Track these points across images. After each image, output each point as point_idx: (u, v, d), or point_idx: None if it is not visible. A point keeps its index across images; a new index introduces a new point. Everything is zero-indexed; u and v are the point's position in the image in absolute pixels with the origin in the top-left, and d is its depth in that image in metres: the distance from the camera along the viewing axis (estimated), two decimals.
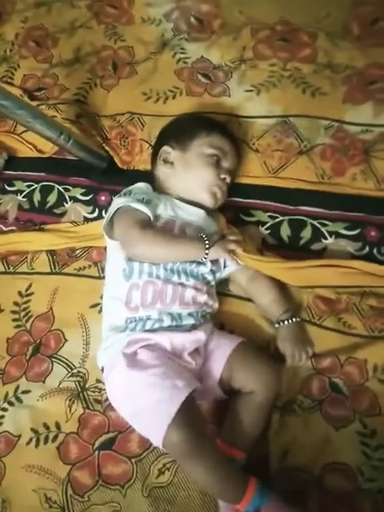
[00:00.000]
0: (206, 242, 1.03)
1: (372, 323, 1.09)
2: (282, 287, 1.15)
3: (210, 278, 1.12)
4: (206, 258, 1.04)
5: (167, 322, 1.03)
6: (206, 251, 1.03)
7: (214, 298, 1.13)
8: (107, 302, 1.12)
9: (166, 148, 1.22)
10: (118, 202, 1.12)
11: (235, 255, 1.08)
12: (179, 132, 1.24)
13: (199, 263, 1.09)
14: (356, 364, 1.06)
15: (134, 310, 1.04)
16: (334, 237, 1.21)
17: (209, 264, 1.10)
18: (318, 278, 1.12)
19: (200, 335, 1.04)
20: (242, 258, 1.10)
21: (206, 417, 1.06)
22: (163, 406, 0.90)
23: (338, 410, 1.03)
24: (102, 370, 1.07)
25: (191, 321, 1.05)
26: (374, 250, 1.18)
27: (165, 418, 0.88)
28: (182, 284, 1.07)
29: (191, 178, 1.18)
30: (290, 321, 1.10)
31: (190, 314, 1.06)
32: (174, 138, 1.23)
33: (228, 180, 1.20)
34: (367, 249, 1.18)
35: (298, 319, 1.11)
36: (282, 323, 1.10)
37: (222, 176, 1.18)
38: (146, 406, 0.93)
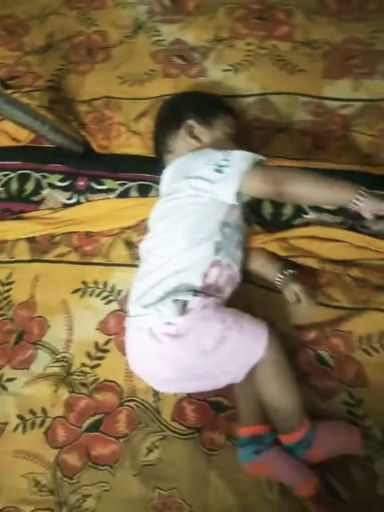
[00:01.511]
0: (363, 189, 0.97)
1: (356, 295, 1.08)
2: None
3: None
4: (357, 203, 0.97)
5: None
6: (359, 198, 0.96)
7: None
8: (182, 264, 1.01)
9: (190, 122, 1.20)
10: (239, 165, 1.04)
11: None
12: (200, 109, 1.23)
13: None
14: (341, 336, 1.06)
15: (207, 287, 1.01)
16: (315, 212, 1.19)
17: None
18: (304, 249, 1.12)
19: None
20: None
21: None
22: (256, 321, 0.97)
23: (325, 381, 1.03)
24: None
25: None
26: (356, 224, 1.16)
27: (263, 325, 0.95)
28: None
29: None
30: (293, 270, 1.08)
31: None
32: (195, 114, 1.21)
33: None
34: (349, 223, 1.16)
35: (296, 272, 1.08)
36: (285, 272, 1.07)
37: None
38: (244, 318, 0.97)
